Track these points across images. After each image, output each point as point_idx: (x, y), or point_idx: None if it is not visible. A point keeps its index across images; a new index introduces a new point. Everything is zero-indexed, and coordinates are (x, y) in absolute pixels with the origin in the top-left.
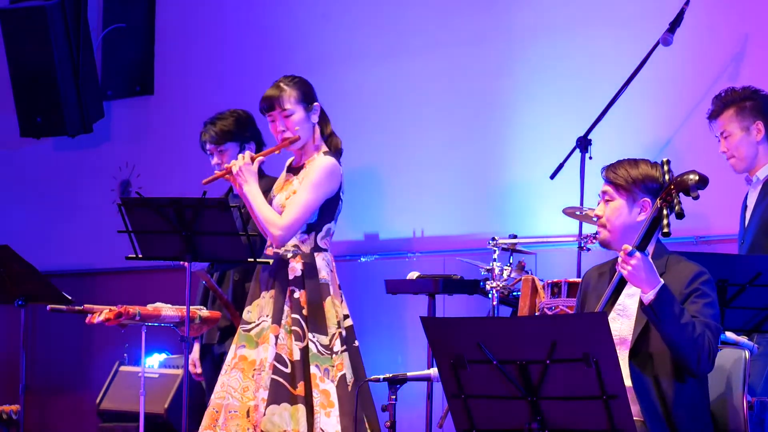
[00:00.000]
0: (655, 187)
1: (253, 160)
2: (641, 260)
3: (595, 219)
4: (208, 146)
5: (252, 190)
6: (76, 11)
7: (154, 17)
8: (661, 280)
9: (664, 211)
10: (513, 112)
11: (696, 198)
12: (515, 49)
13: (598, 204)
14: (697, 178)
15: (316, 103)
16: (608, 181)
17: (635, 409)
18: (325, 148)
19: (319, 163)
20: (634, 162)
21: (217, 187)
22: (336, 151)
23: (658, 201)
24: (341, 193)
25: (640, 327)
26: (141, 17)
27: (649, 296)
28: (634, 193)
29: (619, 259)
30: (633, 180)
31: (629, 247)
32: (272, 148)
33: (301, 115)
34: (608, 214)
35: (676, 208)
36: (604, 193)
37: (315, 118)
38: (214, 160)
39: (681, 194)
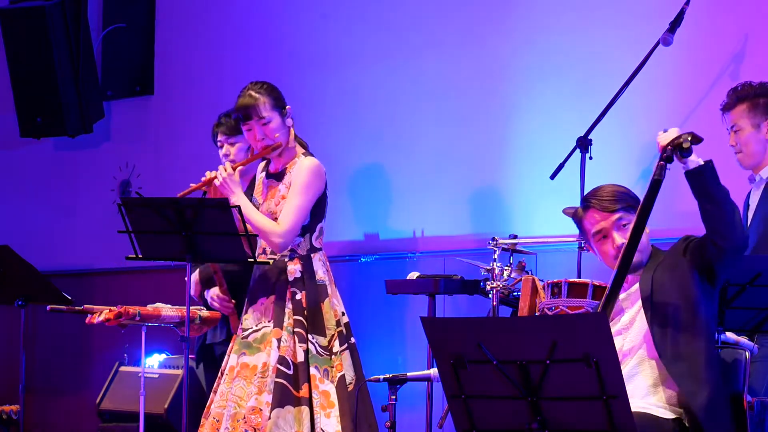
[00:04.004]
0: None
1: (234, 169)
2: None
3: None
4: (219, 137)
5: (240, 201)
6: (76, 11)
7: (154, 17)
8: None
9: (665, 171)
10: (513, 111)
11: (688, 150)
12: (515, 49)
13: (613, 234)
14: (690, 137)
15: (288, 107)
16: (614, 212)
17: (676, 409)
18: (301, 149)
19: (305, 165)
20: (610, 186)
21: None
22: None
23: (659, 162)
24: (327, 191)
25: (654, 326)
26: (141, 17)
27: (700, 160)
28: (634, 205)
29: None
30: (627, 195)
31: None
32: (252, 156)
33: (278, 121)
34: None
35: (684, 145)
36: (618, 223)
37: (290, 122)
38: (223, 151)
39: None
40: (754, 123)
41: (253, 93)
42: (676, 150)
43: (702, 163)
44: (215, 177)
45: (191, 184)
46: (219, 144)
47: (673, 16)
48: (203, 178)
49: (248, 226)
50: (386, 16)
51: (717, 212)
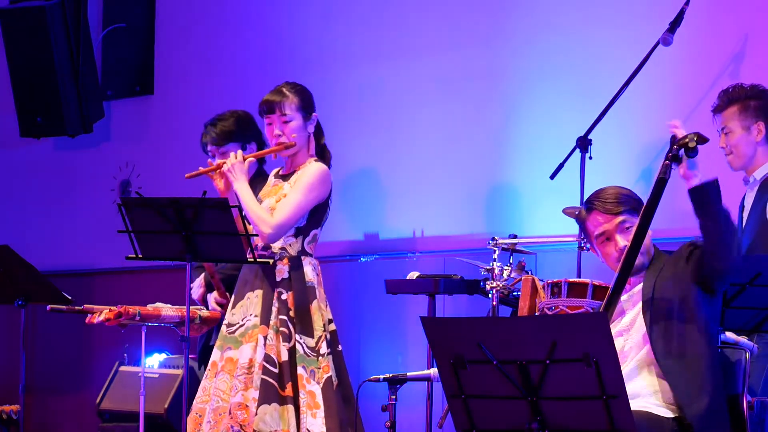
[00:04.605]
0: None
1: (245, 159)
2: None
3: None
4: (209, 147)
5: (242, 188)
6: (76, 11)
7: (154, 17)
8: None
9: (670, 170)
10: (513, 112)
11: (694, 149)
12: (515, 49)
13: (616, 236)
14: (695, 137)
15: (314, 114)
16: (617, 214)
17: (669, 407)
18: (316, 158)
19: (313, 167)
20: (613, 188)
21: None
22: (327, 163)
23: (664, 162)
24: (330, 201)
25: (654, 331)
26: (141, 17)
27: (708, 178)
28: (638, 207)
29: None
30: (630, 198)
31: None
32: (266, 150)
33: (299, 123)
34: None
35: (690, 144)
36: (621, 226)
37: (311, 128)
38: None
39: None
40: (745, 125)
41: (284, 90)
42: (681, 149)
43: (709, 180)
44: (225, 163)
45: (200, 168)
46: (210, 153)
47: (673, 16)
48: (213, 163)
49: (245, 224)
50: (385, 17)
51: (716, 231)
